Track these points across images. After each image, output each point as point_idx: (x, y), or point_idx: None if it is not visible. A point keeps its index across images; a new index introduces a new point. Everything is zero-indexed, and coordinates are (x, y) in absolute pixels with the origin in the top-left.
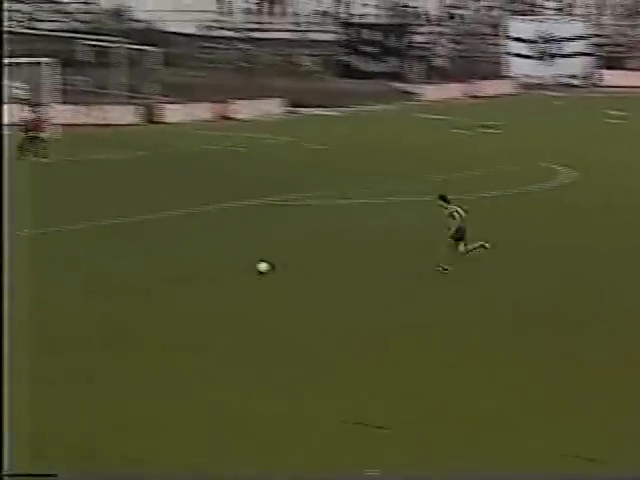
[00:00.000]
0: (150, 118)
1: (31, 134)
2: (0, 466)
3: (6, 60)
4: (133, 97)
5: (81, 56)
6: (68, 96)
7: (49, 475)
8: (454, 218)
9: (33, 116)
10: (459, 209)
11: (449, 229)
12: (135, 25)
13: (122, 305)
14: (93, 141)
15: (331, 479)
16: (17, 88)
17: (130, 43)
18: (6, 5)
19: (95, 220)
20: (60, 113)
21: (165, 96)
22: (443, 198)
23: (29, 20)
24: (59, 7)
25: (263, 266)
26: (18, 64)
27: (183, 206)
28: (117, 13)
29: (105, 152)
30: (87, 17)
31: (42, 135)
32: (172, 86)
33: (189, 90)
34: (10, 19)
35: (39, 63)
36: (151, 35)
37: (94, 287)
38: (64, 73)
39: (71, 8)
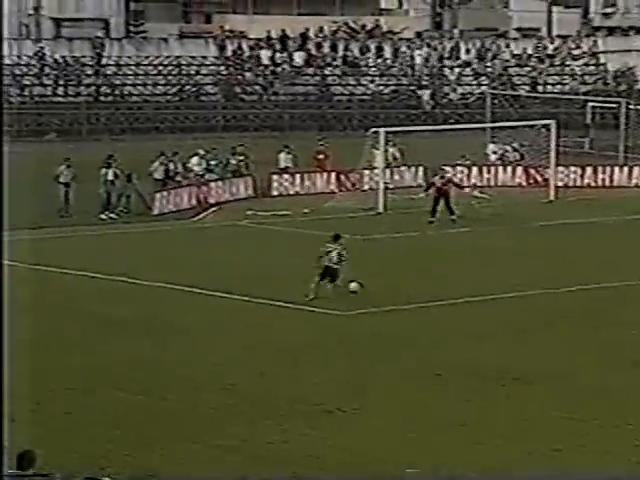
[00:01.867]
0: None
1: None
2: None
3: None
4: (634, 158)
5: (583, 118)
6: (564, 158)
7: (49, 475)
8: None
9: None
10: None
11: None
12: (639, 85)
13: None
14: (589, 203)
15: None
16: (513, 150)
17: (634, 104)
18: (513, 70)
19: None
20: (556, 175)
21: None
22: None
23: (533, 84)
24: (565, 70)
25: (353, 285)
26: (517, 127)
27: None
28: (623, 74)
29: (601, 214)
30: (592, 79)
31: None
32: None
33: None
34: (514, 84)
35: (536, 126)
36: None
37: None
38: (564, 135)
39: (579, 70)
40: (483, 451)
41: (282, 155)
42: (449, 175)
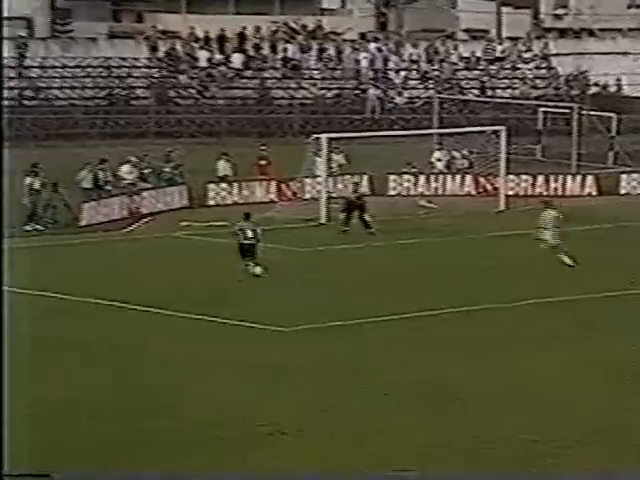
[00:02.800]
0: (603, 189)
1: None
2: (0, 466)
3: (457, 129)
4: (587, 167)
5: (534, 124)
6: (515, 166)
7: (49, 475)
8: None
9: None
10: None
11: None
12: (591, 90)
13: None
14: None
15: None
16: (461, 157)
17: (587, 109)
18: (462, 74)
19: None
20: (507, 183)
21: (625, 166)
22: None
23: (482, 88)
24: (516, 74)
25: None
26: (465, 133)
27: None
28: (575, 78)
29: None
30: (544, 83)
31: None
32: (632, 155)
33: None
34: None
35: (486, 132)
36: (608, 100)
37: None
38: (514, 142)
39: (529, 74)
40: None
41: (220, 163)
42: (362, 190)
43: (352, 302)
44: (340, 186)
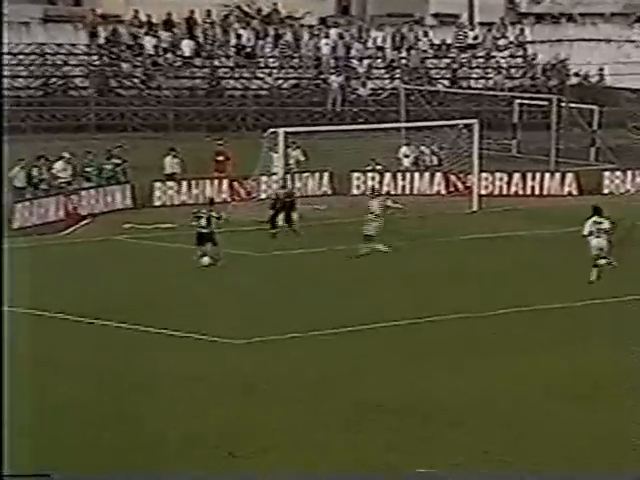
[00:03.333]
0: (584, 188)
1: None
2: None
3: (426, 123)
4: (566, 163)
5: (510, 117)
6: (489, 163)
7: (49, 475)
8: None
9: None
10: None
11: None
12: (571, 80)
13: None
14: (517, 214)
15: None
16: (430, 153)
17: (566, 101)
18: (431, 62)
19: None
20: (480, 182)
21: (608, 162)
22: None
23: (453, 78)
24: (490, 63)
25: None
26: (435, 127)
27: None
28: (554, 67)
29: (530, 227)
30: (520, 72)
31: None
32: (615, 151)
33: (635, 156)
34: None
35: (457, 126)
36: (590, 91)
37: None
38: (488, 137)
39: (504, 63)
40: None
41: (167, 159)
42: (290, 189)
43: (311, 312)
44: (299, 184)
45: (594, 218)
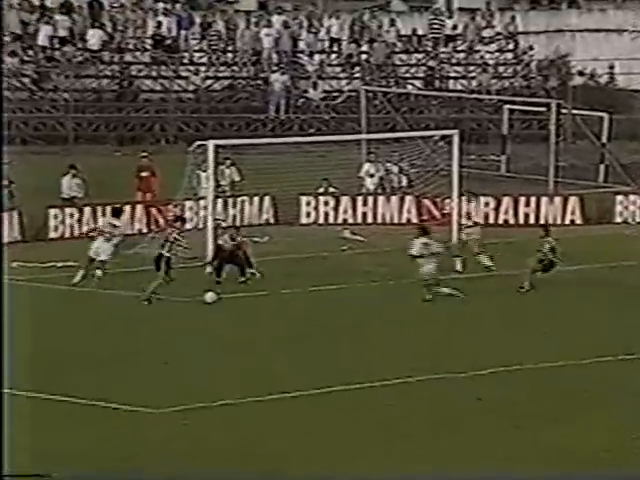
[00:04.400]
0: (591, 215)
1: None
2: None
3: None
4: (569, 185)
5: (498, 127)
6: (472, 184)
7: (49, 475)
8: None
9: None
10: None
11: None
12: (575, 81)
13: None
14: (507, 249)
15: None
16: (399, 172)
17: (568, 107)
18: (400, 58)
19: None
20: (459, 208)
21: (621, 183)
22: None
23: (427, 78)
24: (473, 59)
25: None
26: (404, 139)
27: None
28: (552, 63)
29: (522, 265)
30: (510, 71)
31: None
32: (629, 169)
33: None
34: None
35: (432, 138)
36: (597, 95)
37: None
38: (470, 151)
39: (491, 59)
40: None
41: (66, 180)
42: (241, 241)
43: (247, 372)
44: (233, 211)
45: (423, 239)
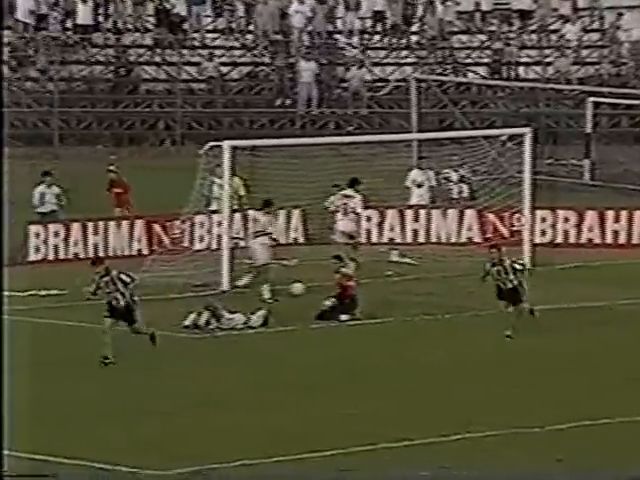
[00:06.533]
0: None
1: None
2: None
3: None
4: None
5: (580, 124)
6: (550, 194)
7: (48, 475)
8: None
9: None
10: None
11: None
12: None
13: None
14: (591, 274)
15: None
16: (458, 180)
17: None
18: (459, 39)
19: None
20: (533, 224)
21: None
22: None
23: (493, 64)
24: (548, 40)
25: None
26: (464, 140)
27: None
28: None
29: (611, 295)
30: (596, 55)
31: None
32: None
33: None
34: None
35: (500, 137)
36: None
37: None
38: (546, 154)
39: (573, 40)
40: None
41: (40, 190)
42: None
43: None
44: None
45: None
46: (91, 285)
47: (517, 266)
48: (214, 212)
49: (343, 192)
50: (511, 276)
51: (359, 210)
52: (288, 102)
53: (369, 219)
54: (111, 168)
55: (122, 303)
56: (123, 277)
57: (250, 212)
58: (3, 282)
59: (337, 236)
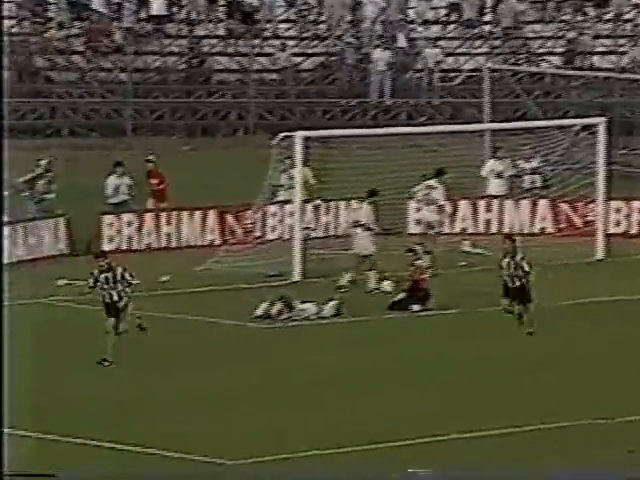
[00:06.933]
0: None
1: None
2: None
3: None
4: None
5: None
6: (623, 186)
7: (48, 475)
8: None
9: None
10: None
11: None
12: None
13: None
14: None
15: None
16: (531, 171)
17: None
18: (532, 29)
19: None
20: (607, 215)
21: None
22: None
23: (567, 53)
24: (624, 29)
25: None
26: (538, 130)
27: None
28: None
29: None
30: None
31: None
32: None
33: None
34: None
35: (573, 127)
36: None
37: None
38: (620, 145)
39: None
40: None
41: (111, 180)
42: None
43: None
44: (324, 219)
45: None
46: (89, 279)
47: (526, 266)
48: (286, 202)
49: (427, 182)
50: (520, 272)
51: (442, 201)
52: (360, 92)
53: (442, 210)
54: (149, 158)
55: (115, 299)
56: (127, 276)
57: (353, 202)
58: (3, 282)
59: (416, 226)
